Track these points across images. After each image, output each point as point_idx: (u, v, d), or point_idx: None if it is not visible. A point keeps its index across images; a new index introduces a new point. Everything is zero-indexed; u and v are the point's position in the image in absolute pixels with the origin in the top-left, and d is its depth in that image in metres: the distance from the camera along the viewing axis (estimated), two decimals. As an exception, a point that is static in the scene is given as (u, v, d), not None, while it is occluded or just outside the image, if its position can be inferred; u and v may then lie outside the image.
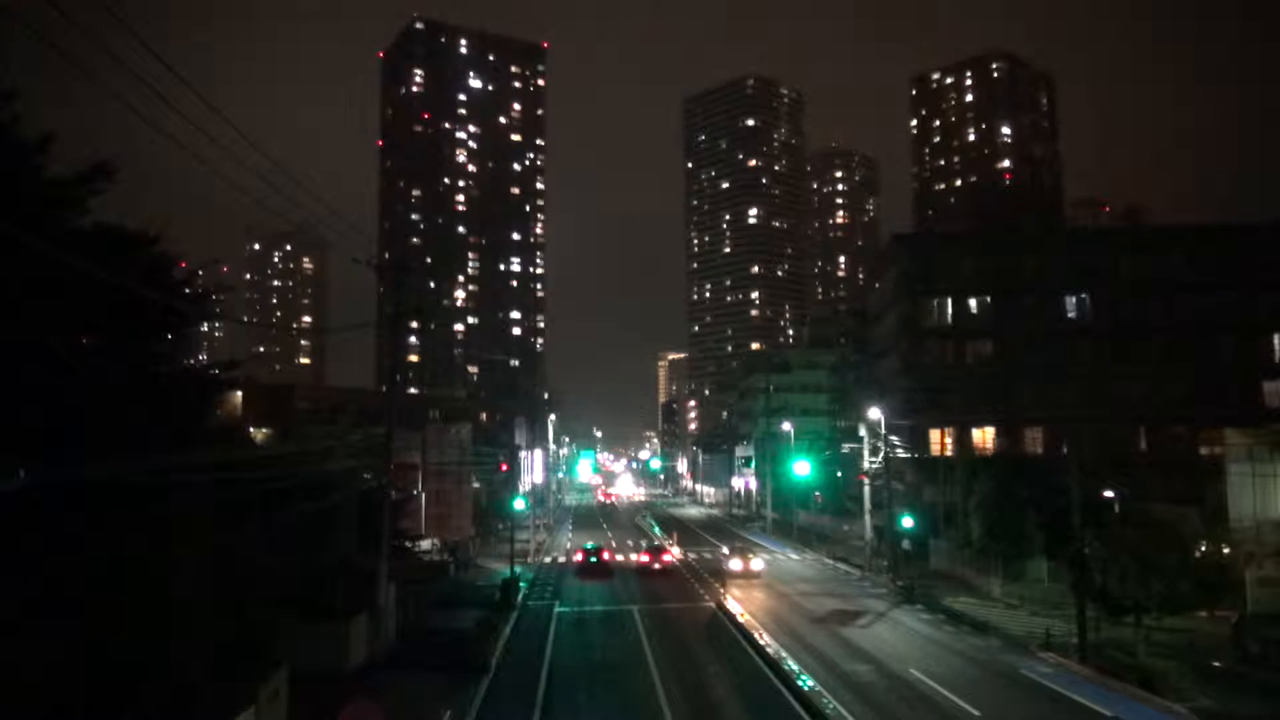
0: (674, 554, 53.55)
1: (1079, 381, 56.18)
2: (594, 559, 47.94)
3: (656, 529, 72.98)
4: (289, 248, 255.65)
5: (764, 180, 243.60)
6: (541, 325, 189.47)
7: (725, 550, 51.01)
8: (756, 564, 46.21)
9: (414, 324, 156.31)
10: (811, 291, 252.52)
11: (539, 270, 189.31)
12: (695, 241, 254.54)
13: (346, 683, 22.22)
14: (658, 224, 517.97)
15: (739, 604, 36.05)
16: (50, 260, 12.33)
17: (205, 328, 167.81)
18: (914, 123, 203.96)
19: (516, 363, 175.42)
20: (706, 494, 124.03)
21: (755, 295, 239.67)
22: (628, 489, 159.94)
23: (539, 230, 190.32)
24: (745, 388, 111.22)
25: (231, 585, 16.29)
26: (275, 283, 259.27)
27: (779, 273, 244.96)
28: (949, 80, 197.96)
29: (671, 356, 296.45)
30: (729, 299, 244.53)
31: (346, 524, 26.37)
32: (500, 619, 32.08)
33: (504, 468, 58.77)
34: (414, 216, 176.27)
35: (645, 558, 49.18)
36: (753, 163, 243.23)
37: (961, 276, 59.37)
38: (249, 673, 16.52)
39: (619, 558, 53.07)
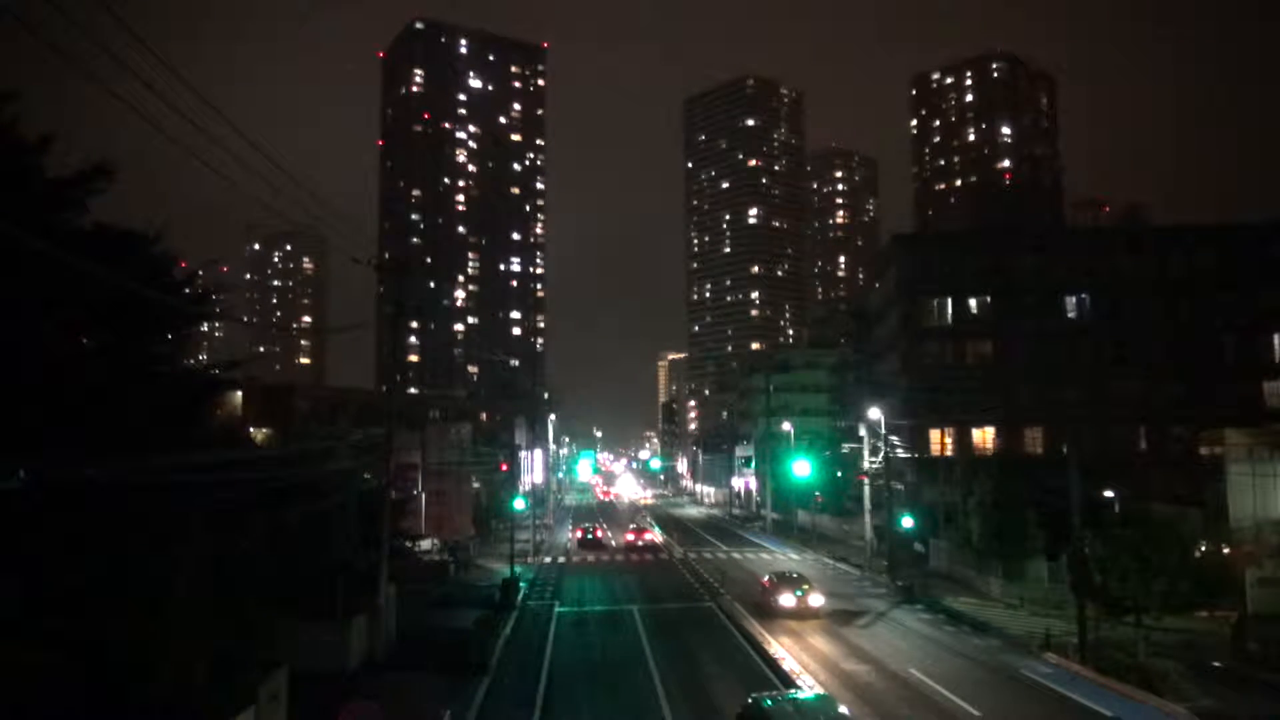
0: (656, 535, 65.72)
1: (1079, 381, 56.14)
2: (590, 536, 61.32)
3: (656, 529, 73.33)
4: (289, 248, 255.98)
5: (764, 180, 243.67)
6: (541, 325, 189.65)
7: (767, 579, 36.33)
8: (816, 599, 33.72)
9: (414, 324, 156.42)
10: (811, 291, 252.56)
11: (539, 270, 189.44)
12: (695, 241, 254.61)
13: (346, 683, 22.21)
14: (658, 224, 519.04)
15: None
16: (50, 260, 12.33)
17: (205, 328, 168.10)
18: (914, 123, 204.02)
19: (516, 363, 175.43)
20: (706, 494, 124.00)
21: (755, 295, 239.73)
22: (630, 490, 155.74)
23: (539, 230, 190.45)
24: (745, 388, 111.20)
25: (231, 585, 16.30)
26: (275, 283, 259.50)
27: (779, 273, 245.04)
28: (949, 80, 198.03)
29: (671, 356, 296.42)
30: (729, 299, 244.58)
31: (346, 524, 26.37)
32: (500, 619, 32.07)
33: (504, 468, 58.81)
34: (414, 216, 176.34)
35: (631, 536, 61.82)
36: (753, 163, 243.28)
37: (961, 276, 59.33)
38: (249, 673, 16.52)
39: (618, 554, 54.86)
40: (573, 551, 58.36)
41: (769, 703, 16.94)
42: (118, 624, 13.16)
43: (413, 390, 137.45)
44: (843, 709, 17.23)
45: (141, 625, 13.41)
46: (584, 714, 21.67)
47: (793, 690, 20.97)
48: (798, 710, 16.50)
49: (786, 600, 33.57)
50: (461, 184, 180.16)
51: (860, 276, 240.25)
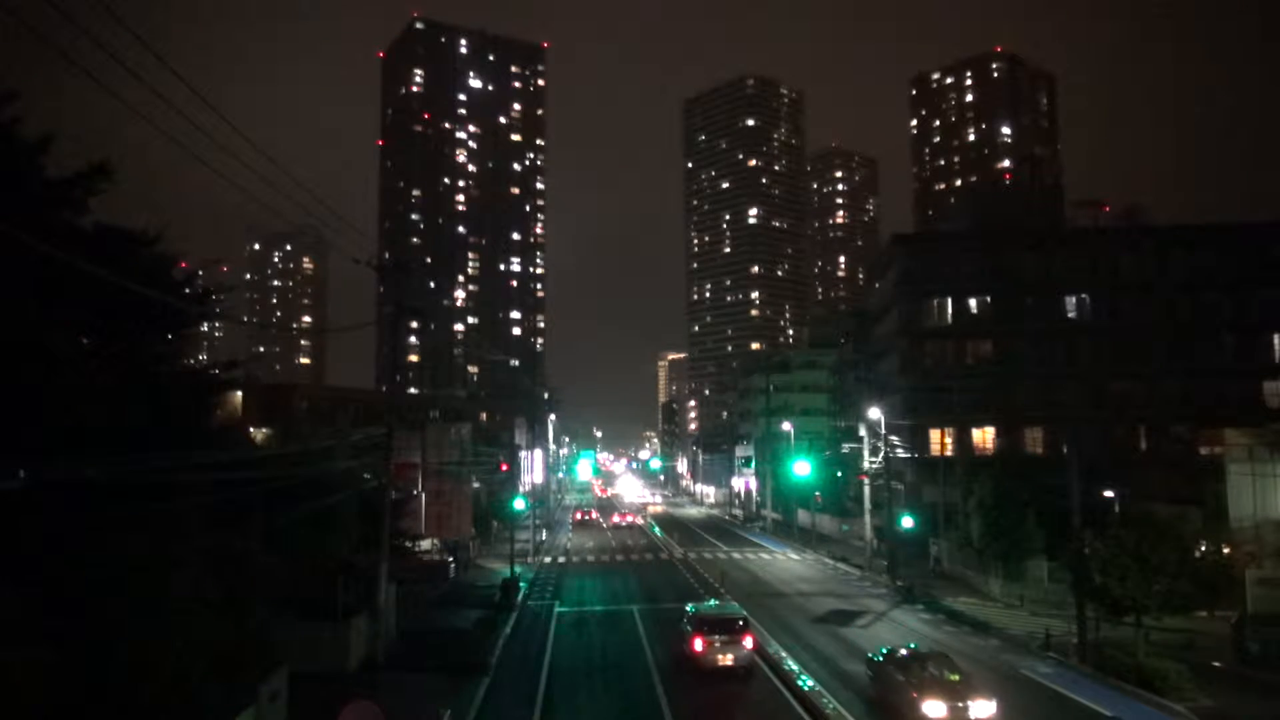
0: (639, 518, 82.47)
1: (1079, 381, 56.17)
2: (586, 517, 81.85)
3: (656, 529, 73.53)
4: (289, 248, 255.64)
5: (764, 180, 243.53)
6: (541, 325, 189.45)
7: (882, 661, 22.61)
8: (983, 707, 19.64)
9: (414, 324, 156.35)
10: (811, 291, 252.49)
11: (539, 270, 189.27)
12: (695, 241, 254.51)
13: (346, 683, 22.20)
14: (658, 224, 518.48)
15: None
16: (50, 260, 12.33)
17: (205, 328, 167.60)
18: (914, 123, 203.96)
19: (516, 363, 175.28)
20: (706, 494, 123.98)
21: (755, 295, 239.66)
22: (632, 491, 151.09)
23: (539, 230, 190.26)
24: (745, 388, 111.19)
25: (231, 585, 16.29)
26: (275, 283, 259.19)
27: (779, 273, 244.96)
28: (949, 80, 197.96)
29: (671, 356, 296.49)
30: (729, 299, 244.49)
31: (346, 524, 26.34)
32: (500, 619, 32.10)
33: (504, 468, 58.73)
34: (414, 216, 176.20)
35: (618, 519, 79.02)
36: (753, 163, 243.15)
37: (961, 276, 59.33)
38: (249, 673, 16.51)
39: (617, 553, 54.98)
40: (573, 551, 58.36)
41: (692, 608, 27.14)
42: (118, 624, 13.15)
43: (413, 390, 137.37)
44: (740, 608, 28.04)
45: (141, 625, 13.40)
46: (584, 714, 21.67)
47: (712, 601, 32.14)
48: (713, 609, 27.46)
49: (934, 710, 19.45)
50: (461, 184, 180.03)
51: (860, 276, 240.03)
